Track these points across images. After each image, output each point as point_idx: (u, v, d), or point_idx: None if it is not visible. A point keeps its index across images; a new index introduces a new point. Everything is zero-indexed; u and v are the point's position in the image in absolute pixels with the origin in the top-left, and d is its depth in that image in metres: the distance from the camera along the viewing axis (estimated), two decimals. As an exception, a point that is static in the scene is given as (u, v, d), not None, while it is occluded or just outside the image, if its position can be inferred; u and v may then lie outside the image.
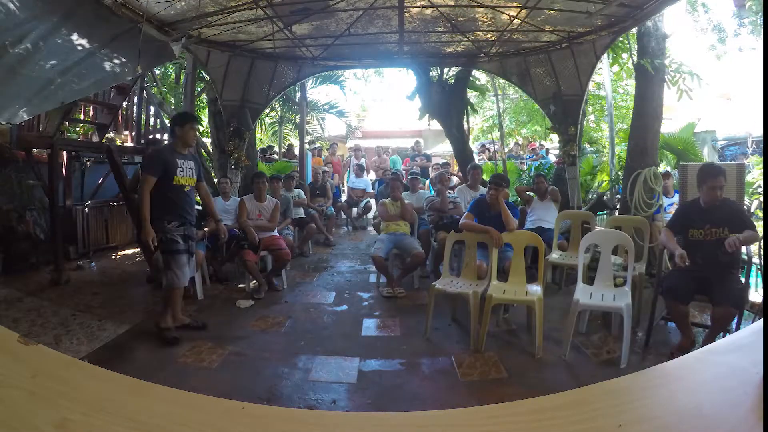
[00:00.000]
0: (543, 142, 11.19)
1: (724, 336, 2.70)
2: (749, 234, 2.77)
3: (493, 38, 5.49)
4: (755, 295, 3.61)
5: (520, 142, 12.12)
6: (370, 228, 7.23)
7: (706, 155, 7.56)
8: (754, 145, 8.54)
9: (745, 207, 4.12)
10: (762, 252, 3.25)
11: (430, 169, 8.81)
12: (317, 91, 12.53)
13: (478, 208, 3.78)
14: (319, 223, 6.20)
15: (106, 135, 6.05)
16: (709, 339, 2.82)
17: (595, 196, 6.76)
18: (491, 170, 8.48)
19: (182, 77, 8.15)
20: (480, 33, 5.37)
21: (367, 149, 10.99)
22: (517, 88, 8.56)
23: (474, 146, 9.90)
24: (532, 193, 5.06)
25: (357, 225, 7.75)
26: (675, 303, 2.85)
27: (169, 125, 4.28)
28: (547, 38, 5.39)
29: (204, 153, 8.27)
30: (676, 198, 5.05)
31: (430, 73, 6.86)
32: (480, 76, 8.99)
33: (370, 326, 3.61)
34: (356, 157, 9.35)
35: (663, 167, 6.26)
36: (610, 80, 7.18)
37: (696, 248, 2.93)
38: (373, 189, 8.26)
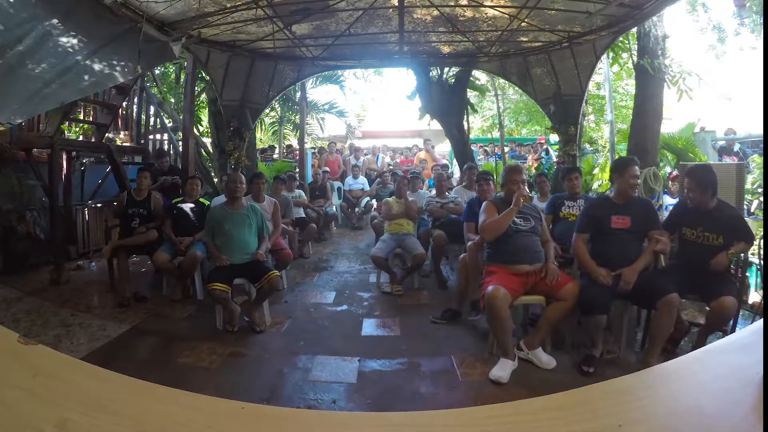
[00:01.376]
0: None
1: (724, 335, 2.68)
2: (740, 247, 2.75)
3: (493, 38, 5.49)
4: (755, 296, 3.61)
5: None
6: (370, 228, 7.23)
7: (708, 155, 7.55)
8: (752, 146, 8.52)
9: (745, 207, 4.11)
10: (762, 252, 3.24)
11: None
12: (317, 91, 12.55)
13: (471, 211, 3.79)
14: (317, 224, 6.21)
15: (106, 135, 6.06)
16: (704, 335, 2.77)
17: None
18: (491, 170, 8.48)
19: (182, 77, 8.16)
20: (480, 33, 5.37)
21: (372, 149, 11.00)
22: (517, 88, 8.55)
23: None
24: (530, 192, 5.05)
25: (356, 225, 7.74)
26: (666, 293, 2.60)
27: None
28: (547, 38, 5.39)
29: (204, 153, 8.28)
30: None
31: (430, 73, 6.86)
32: (480, 76, 8.99)
33: (370, 326, 3.61)
34: (355, 158, 9.34)
35: (665, 168, 6.26)
36: (610, 80, 7.18)
37: (689, 249, 2.89)
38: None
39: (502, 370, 2.63)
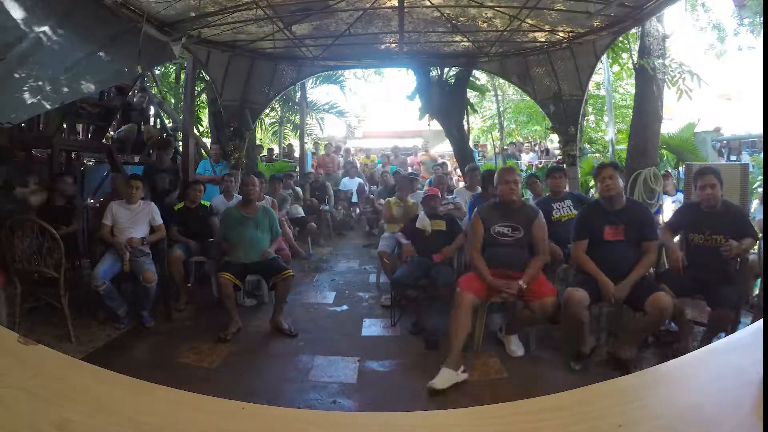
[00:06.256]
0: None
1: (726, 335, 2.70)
2: (747, 242, 2.81)
3: (493, 38, 5.48)
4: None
5: (520, 141, 12.12)
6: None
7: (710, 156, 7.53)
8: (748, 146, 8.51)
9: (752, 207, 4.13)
10: (762, 252, 3.25)
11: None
12: (317, 91, 12.54)
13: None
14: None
15: (106, 135, 6.06)
16: (708, 337, 2.82)
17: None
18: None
19: (182, 77, 8.16)
20: (480, 33, 5.37)
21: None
22: (517, 88, 8.55)
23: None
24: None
25: (352, 226, 7.77)
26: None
27: None
28: (547, 38, 5.39)
29: (204, 153, 8.28)
30: (679, 196, 5.05)
31: (430, 74, 6.86)
32: (480, 76, 8.98)
33: (370, 326, 3.61)
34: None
35: (665, 168, 6.25)
36: (610, 80, 7.18)
37: (696, 253, 2.93)
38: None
39: (441, 379, 2.45)
